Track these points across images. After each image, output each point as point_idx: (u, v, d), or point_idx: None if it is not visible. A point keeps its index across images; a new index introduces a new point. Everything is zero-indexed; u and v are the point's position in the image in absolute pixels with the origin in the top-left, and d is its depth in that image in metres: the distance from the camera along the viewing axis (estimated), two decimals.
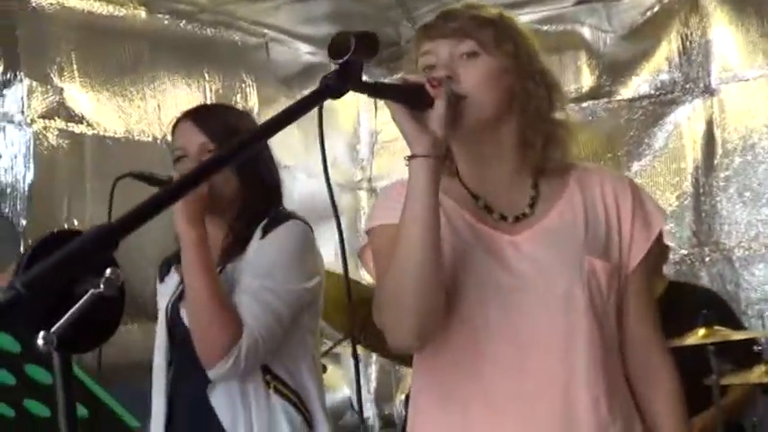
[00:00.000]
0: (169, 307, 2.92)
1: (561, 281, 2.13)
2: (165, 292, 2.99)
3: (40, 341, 1.09)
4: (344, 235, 1.98)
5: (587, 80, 5.98)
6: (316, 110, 1.75)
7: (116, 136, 5.10)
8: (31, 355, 1.49)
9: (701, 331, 4.07)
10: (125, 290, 1.20)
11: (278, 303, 2.74)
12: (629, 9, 5.83)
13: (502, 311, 2.12)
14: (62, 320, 1.11)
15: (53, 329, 1.10)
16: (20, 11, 4.66)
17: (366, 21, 5.31)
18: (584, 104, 5.92)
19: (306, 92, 6.77)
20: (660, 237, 2.33)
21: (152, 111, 5.30)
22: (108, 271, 1.15)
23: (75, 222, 4.80)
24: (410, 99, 2.01)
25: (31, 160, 4.69)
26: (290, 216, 2.89)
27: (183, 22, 5.58)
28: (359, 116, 6.73)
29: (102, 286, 1.14)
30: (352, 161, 6.68)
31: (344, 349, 5.56)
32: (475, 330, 2.13)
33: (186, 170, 2.77)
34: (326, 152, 1.80)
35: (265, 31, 5.90)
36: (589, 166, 2.34)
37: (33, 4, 4.74)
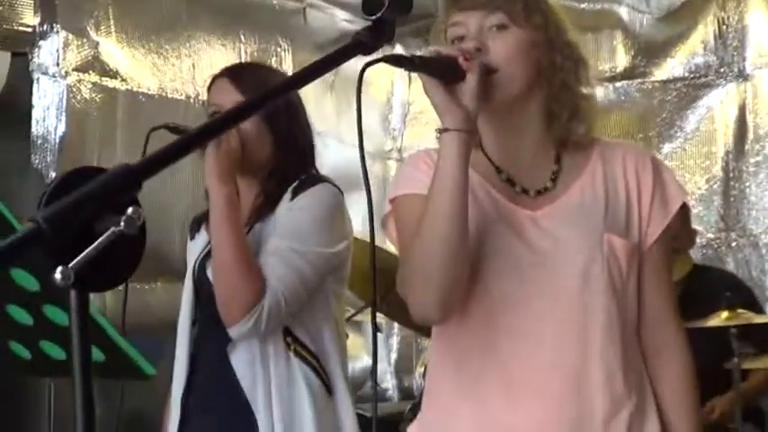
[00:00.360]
0: (196, 265, 2.91)
1: (580, 258, 2.12)
2: (193, 250, 2.98)
3: (57, 275, 1.08)
4: (373, 203, 1.98)
5: (622, 60, 5.96)
6: (352, 78, 1.77)
7: (149, 92, 5.09)
8: (49, 294, 1.48)
9: (724, 314, 4.06)
10: (146, 230, 1.20)
11: (304, 265, 2.72)
12: None
13: (519, 285, 2.12)
14: (81, 256, 1.11)
15: (71, 264, 1.10)
16: None
17: None
18: (618, 84, 5.91)
19: None
20: (688, 220, 2.31)
21: (186, 70, 5.30)
22: (129, 209, 1.15)
23: None
24: (442, 72, 2.01)
25: (64, 113, 4.68)
26: (321, 179, 2.86)
27: None
28: (392, 86, 6.73)
29: (122, 224, 1.14)
30: (383, 131, 6.68)
31: (366, 317, 5.57)
32: (492, 303, 2.14)
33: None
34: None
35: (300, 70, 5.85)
36: (612, 141, 2.33)
37: None
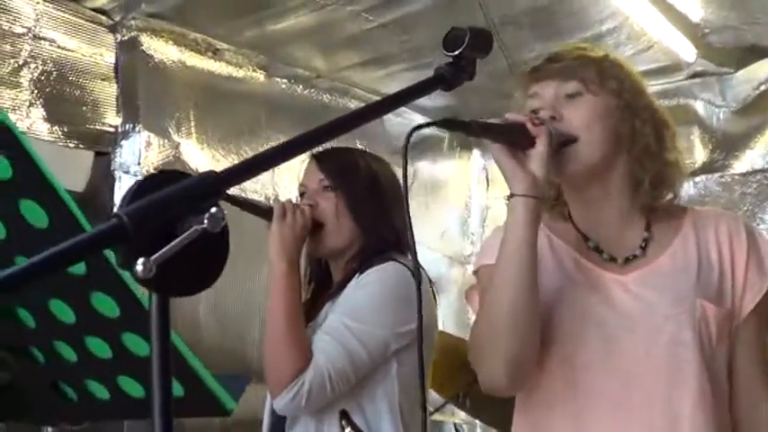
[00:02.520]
0: None
1: (670, 323, 2.07)
2: None
3: (138, 266, 1.07)
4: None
5: (700, 155, 5.91)
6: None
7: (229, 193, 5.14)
8: (129, 320, 1.47)
9: None
10: (229, 234, 1.19)
11: (354, 344, 2.68)
12: (742, 83, 5.76)
13: (604, 350, 2.07)
14: (162, 250, 1.10)
15: (153, 257, 1.09)
16: (142, 66, 4.77)
17: (479, 92, 5.30)
18: (698, 179, 5.85)
19: (418, 164, 6.79)
20: None
21: (266, 173, 5.37)
22: (213, 209, 1.14)
23: None
24: (511, 138, 2.00)
25: None
26: (391, 258, 2.82)
27: (301, 87, 5.68)
28: (470, 190, 6.74)
29: (206, 222, 1.13)
30: (462, 235, 6.66)
31: (447, 417, 5.49)
32: (575, 369, 2.09)
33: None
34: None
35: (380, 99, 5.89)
36: (705, 209, 2.30)
37: (156, 61, 4.86)
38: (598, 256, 2.16)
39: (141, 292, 1.37)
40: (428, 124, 1.91)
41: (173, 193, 1.17)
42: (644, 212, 2.19)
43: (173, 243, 1.13)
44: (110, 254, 1.38)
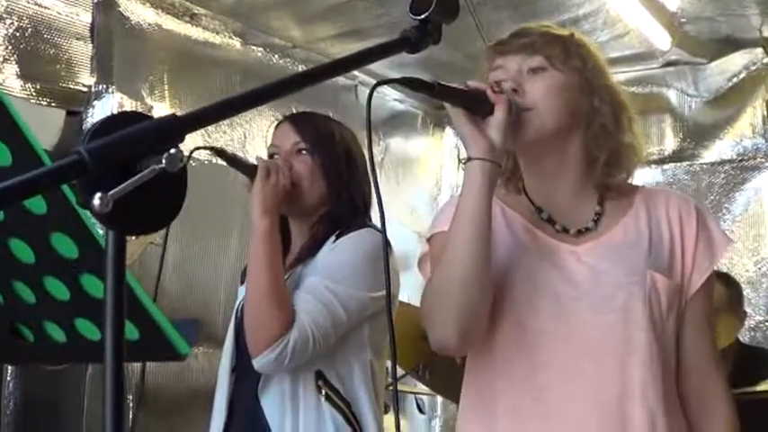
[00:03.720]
0: (239, 309, 2.92)
1: (621, 292, 2.10)
2: (242, 294, 2.99)
3: (95, 200, 1.08)
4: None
5: (671, 143, 5.98)
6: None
7: (200, 158, 5.15)
8: (87, 261, 1.47)
9: None
10: (187, 175, 1.20)
11: (336, 305, 2.70)
12: (715, 74, 5.84)
13: (556, 318, 2.10)
14: (120, 186, 1.11)
15: (110, 192, 1.11)
16: (118, 27, 4.75)
17: (455, 71, 5.33)
18: (666, 167, 5.93)
19: (391, 140, 6.78)
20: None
21: (237, 138, 5.37)
22: (172, 150, 1.15)
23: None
24: (471, 104, 2.02)
25: None
26: (366, 225, 2.85)
27: (276, 56, 5.66)
28: (442, 169, 6.78)
29: (164, 161, 1.14)
30: (431, 212, 6.68)
31: (409, 388, 5.51)
32: (527, 335, 2.11)
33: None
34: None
35: (356, 73, 5.94)
36: (656, 188, 2.34)
37: (132, 22, 4.83)
38: (551, 228, 2.19)
39: (101, 233, 1.38)
40: (391, 81, 1.93)
41: (134, 132, 1.18)
42: (597, 189, 2.22)
43: (131, 180, 1.14)
44: (71, 194, 1.39)
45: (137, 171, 1.16)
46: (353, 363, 2.81)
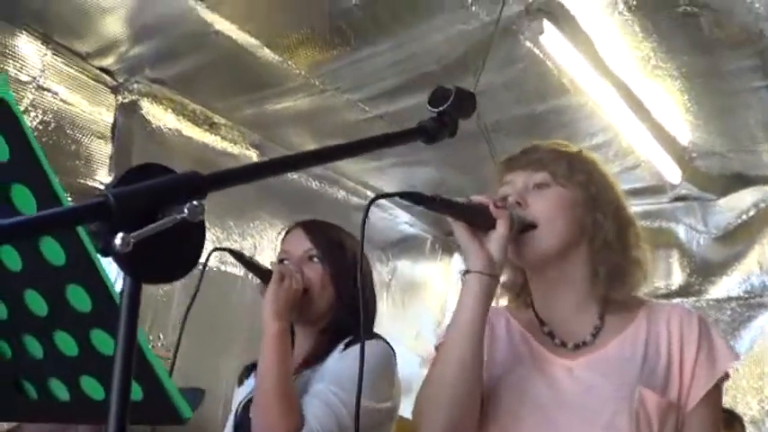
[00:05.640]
0: (239, 407, 2.91)
1: (608, 407, 2.07)
2: (239, 395, 3.00)
3: (117, 240, 1.11)
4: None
5: (678, 278, 5.99)
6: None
7: (209, 266, 5.18)
8: (100, 316, 1.49)
9: None
10: (205, 229, 1.24)
11: (343, 411, 2.70)
12: (724, 211, 5.88)
13: (539, 429, 2.09)
14: (142, 230, 1.14)
15: (132, 234, 1.14)
16: (139, 129, 4.84)
17: (466, 194, 5.39)
18: (674, 302, 5.91)
19: (399, 262, 6.77)
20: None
21: (248, 248, 5.42)
22: (194, 201, 1.19)
23: (161, 336, 4.91)
24: (473, 217, 2.04)
25: None
26: (375, 336, 2.86)
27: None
28: (447, 294, 6.80)
29: (186, 211, 1.18)
30: (435, 337, 6.67)
31: None
32: None
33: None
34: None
35: (368, 192, 6.01)
36: (663, 303, 2.32)
37: (153, 126, 4.93)
38: (550, 341, 2.19)
39: (116, 290, 1.39)
40: (392, 194, 1.96)
41: (159, 183, 1.22)
42: (600, 302, 2.21)
43: (152, 225, 1.17)
44: (90, 245, 1.41)
45: (158, 219, 1.20)
46: None
